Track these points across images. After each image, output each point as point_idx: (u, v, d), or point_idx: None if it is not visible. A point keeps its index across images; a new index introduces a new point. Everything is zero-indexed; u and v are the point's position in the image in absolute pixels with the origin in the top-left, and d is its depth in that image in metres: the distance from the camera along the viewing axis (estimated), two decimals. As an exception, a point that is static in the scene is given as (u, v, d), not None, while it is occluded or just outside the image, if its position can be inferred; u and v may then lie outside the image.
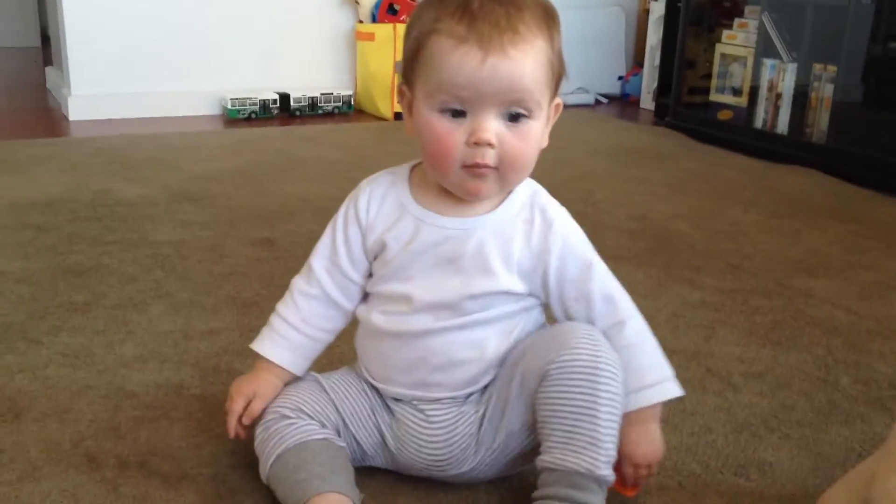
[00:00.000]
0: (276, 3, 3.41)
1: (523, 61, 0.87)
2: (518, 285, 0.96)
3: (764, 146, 2.86)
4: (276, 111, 3.34)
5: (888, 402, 1.27)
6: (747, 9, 3.09)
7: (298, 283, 1.04)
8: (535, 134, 0.91)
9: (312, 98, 3.39)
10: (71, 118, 3.19)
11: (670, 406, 1.23)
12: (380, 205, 0.99)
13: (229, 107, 3.27)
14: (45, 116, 3.35)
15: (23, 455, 1.07)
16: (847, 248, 1.99)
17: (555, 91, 0.94)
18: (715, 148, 2.98)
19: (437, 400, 0.98)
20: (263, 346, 1.04)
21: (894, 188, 2.43)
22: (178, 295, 1.60)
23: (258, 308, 1.51)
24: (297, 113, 3.38)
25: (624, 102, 3.90)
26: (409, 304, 0.96)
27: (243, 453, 1.06)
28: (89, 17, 3.16)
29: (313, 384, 1.03)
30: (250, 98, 3.30)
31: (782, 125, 2.91)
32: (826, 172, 2.60)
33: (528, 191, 0.99)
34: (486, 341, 0.96)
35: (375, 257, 1.00)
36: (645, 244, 1.97)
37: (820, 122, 2.77)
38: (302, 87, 3.41)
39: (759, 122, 3.00)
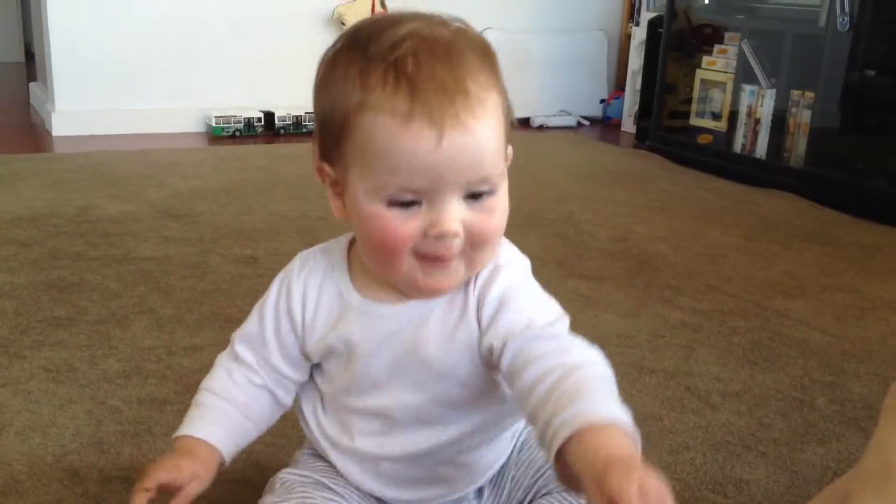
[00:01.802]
0: (261, 22, 3.43)
1: (482, 130, 0.71)
2: (483, 360, 0.80)
3: (743, 170, 2.90)
4: (260, 129, 3.35)
5: (863, 421, 1.30)
6: (727, 35, 3.15)
7: (226, 362, 0.89)
8: (501, 206, 0.76)
9: (297, 117, 3.41)
10: (54, 134, 3.19)
11: (651, 424, 1.26)
12: (317, 298, 0.83)
13: (214, 124, 3.28)
14: (29, 132, 3.35)
15: (5, 469, 1.08)
16: (823, 270, 2.03)
17: (507, 139, 0.78)
18: (695, 171, 3.02)
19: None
20: (192, 426, 0.85)
21: (870, 212, 2.47)
22: (162, 311, 1.60)
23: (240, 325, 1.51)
24: (282, 131, 3.39)
25: (605, 125, 3.95)
26: (391, 418, 0.83)
27: (227, 469, 1.06)
28: (74, 34, 3.17)
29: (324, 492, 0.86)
30: (235, 116, 3.31)
31: (761, 150, 2.96)
32: (803, 196, 2.64)
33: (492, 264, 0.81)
34: (495, 425, 0.85)
35: (322, 361, 0.85)
36: (625, 265, 1.99)
37: (797, 147, 2.82)
38: (286, 106, 3.43)
39: (738, 147, 3.04)
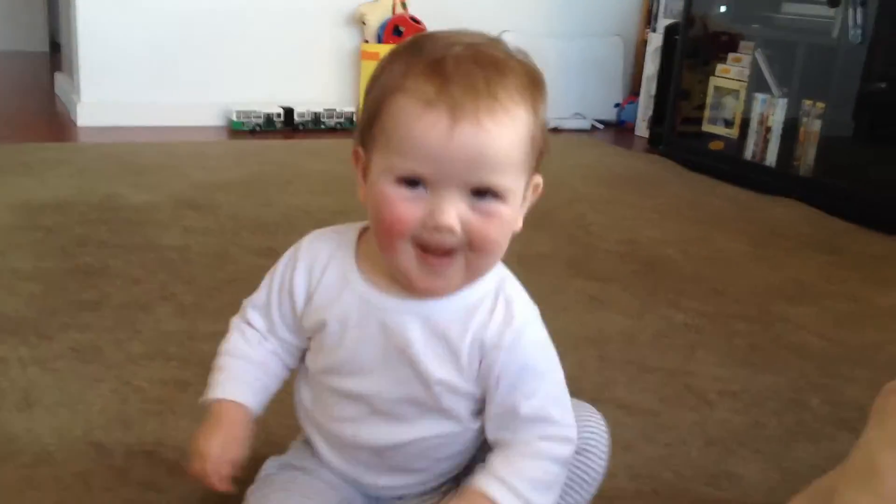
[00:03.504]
0: (284, 19, 3.50)
1: (499, 134, 0.74)
2: (466, 385, 0.84)
3: (752, 177, 2.95)
4: (280, 125, 3.42)
5: (854, 423, 1.34)
6: (742, 44, 3.19)
7: (241, 326, 0.93)
8: (504, 219, 0.78)
9: (316, 113, 3.47)
10: (79, 124, 3.26)
11: (648, 419, 1.31)
12: (320, 275, 0.86)
13: (234, 119, 3.35)
14: (54, 121, 3.43)
15: (36, 442, 1.14)
16: (827, 278, 2.07)
17: (534, 170, 0.81)
18: (705, 177, 3.06)
19: (426, 492, 0.91)
20: (223, 389, 0.90)
21: (877, 223, 2.51)
22: (183, 298, 1.67)
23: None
24: (301, 127, 3.46)
25: (619, 129, 3.99)
26: (368, 405, 0.86)
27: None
28: (101, 27, 3.24)
29: (309, 479, 0.91)
30: (255, 111, 3.37)
31: (771, 158, 3.00)
32: (811, 205, 2.68)
33: (496, 277, 0.85)
34: (461, 435, 0.87)
35: (314, 334, 0.88)
36: (633, 267, 2.04)
37: (807, 156, 2.86)
38: (306, 103, 3.49)
39: (748, 154, 3.08)
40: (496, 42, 0.79)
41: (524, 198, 0.82)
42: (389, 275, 0.82)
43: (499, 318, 0.82)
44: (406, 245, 0.78)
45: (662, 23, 3.73)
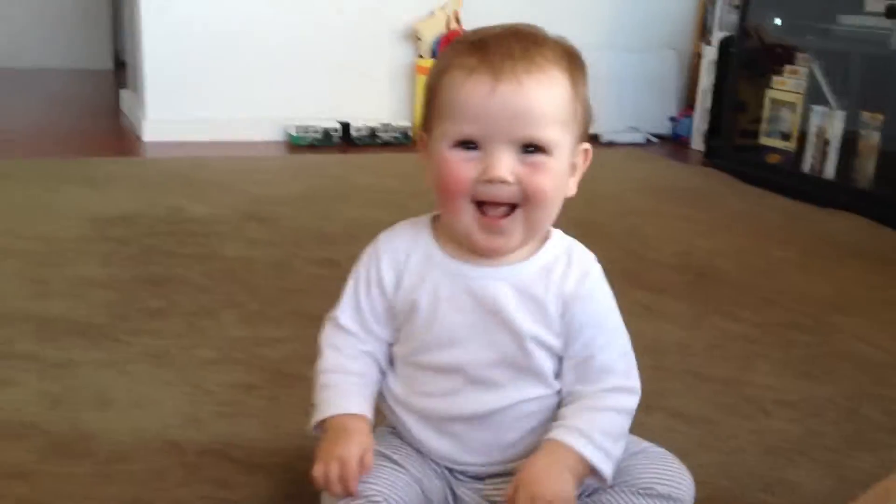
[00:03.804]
0: (341, 37, 3.57)
1: (538, 90, 0.83)
2: (555, 340, 0.92)
3: (810, 190, 2.93)
4: (337, 139, 3.49)
5: (913, 433, 1.34)
6: (798, 56, 3.17)
7: (332, 339, 0.97)
8: (554, 171, 0.86)
9: (372, 128, 3.54)
10: (145, 139, 3.37)
11: (705, 428, 1.32)
12: (405, 261, 0.93)
13: (293, 134, 3.43)
14: (120, 137, 3.54)
15: (112, 440, 1.20)
16: (883, 289, 2.06)
17: (580, 137, 0.89)
18: (762, 190, 3.04)
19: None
20: (337, 405, 0.93)
21: (937, 235, 2.48)
22: (248, 306, 1.72)
23: (322, 321, 1.63)
24: (357, 142, 3.52)
25: (674, 143, 3.99)
26: (463, 375, 0.91)
27: (309, 446, 1.17)
28: (166, 45, 3.35)
29: (395, 468, 0.93)
30: (313, 126, 3.45)
31: (829, 170, 2.97)
32: (870, 218, 2.65)
33: (564, 243, 0.94)
34: (548, 401, 0.93)
35: (405, 319, 0.93)
36: (687, 278, 2.05)
37: (866, 168, 2.83)
38: (363, 118, 3.56)
39: (806, 167, 3.06)
40: (534, 26, 0.89)
41: (573, 164, 0.90)
42: (468, 249, 0.90)
43: (575, 274, 0.91)
44: (466, 205, 0.86)
45: (717, 36, 3.72)
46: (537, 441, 0.92)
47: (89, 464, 1.13)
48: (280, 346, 1.53)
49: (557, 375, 0.93)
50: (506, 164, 0.84)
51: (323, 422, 0.93)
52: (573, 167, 0.90)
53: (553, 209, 0.89)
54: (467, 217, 0.87)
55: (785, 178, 3.08)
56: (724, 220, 2.64)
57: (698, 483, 1.15)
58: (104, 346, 1.50)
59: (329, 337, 0.98)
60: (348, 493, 0.87)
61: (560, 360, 0.93)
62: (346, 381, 0.95)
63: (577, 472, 0.87)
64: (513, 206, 0.86)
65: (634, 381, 0.94)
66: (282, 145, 3.48)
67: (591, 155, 0.93)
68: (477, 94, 0.83)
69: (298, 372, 1.41)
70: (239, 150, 3.31)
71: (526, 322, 0.90)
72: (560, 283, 0.91)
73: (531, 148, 0.84)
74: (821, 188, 2.94)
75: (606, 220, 2.44)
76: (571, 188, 0.91)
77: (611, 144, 3.82)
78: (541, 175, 0.85)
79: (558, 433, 0.89)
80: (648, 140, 3.95)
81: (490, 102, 0.82)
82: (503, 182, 0.84)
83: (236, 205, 2.48)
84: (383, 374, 0.98)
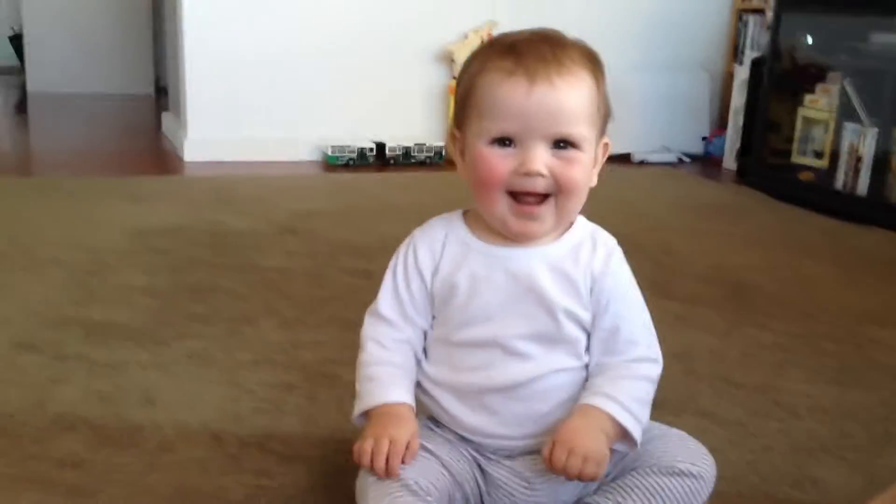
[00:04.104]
0: (376, 59, 3.65)
1: (569, 91, 0.90)
2: (584, 313, 0.98)
3: (843, 207, 2.92)
4: (372, 159, 3.55)
5: (945, 436, 1.35)
6: (829, 75, 3.18)
7: (372, 332, 1.02)
8: (583, 164, 0.93)
9: (406, 148, 3.60)
10: (186, 159, 3.46)
11: (735, 428, 1.34)
12: (442, 249, 1.00)
13: (329, 153, 3.50)
14: (162, 157, 3.64)
15: (158, 433, 1.24)
16: (919, 302, 2.05)
17: (601, 131, 0.97)
18: (794, 207, 3.04)
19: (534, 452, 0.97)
20: (382, 395, 0.98)
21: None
22: (286, 313, 1.77)
23: (358, 328, 1.66)
24: (392, 161, 3.58)
25: (707, 162, 4.00)
26: (500, 348, 0.96)
27: (346, 440, 1.20)
28: (207, 68, 3.44)
29: (426, 456, 0.96)
30: (349, 146, 3.52)
31: (862, 187, 2.97)
32: (905, 234, 2.65)
33: (588, 227, 1.02)
34: (577, 375, 0.98)
35: (443, 302, 0.99)
36: (719, 291, 2.06)
37: (899, 184, 2.83)
38: (397, 137, 3.62)
39: (839, 184, 3.06)
40: (558, 32, 0.96)
41: (596, 157, 0.97)
42: (501, 234, 0.97)
43: (601, 252, 0.99)
44: (501, 195, 0.93)
45: (749, 55, 3.75)
46: (567, 414, 0.95)
47: (136, 454, 1.18)
48: (318, 349, 1.58)
49: (586, 350, 0.99)
50: (541, 159, 0.91)
51: (367, 412, 0.98)
52: (595, 159, 0.97)
53: (582, 198, 0.96)
54: (503, 206, 0.94)
55: (818, 196, 3.08)
56: (757, 236, 2.65)
57: (728, 479, 1.17)
58: (149, 349, 1.55)
59: (370, 329, 1.03)
60: (390, 473, 0.91)
61: (588, 335, 0.99)
62: (389, 371, 1.00)
63: (609, 433, 0.93)
64: (545, 195, 0.93)
65: (657, 352, 1.00)
66: (318, 165, 3.55)
67: (610, 148, 0.99)
68: (515, 95, 0.90)
69: (335, 373, 1.46)
70: (277, 169, 3.38)
71: (558, 296, 0.96)
72: (588, 261, 0.98)
73: (563, 143, 0.92)
74: (854, 205, 2.94)
75: (638, 236, 2.46)
76: (594, 180, 0.98)
77: (643, 164, 3.84)
78: (572, 168, 0.92)
79: (591, 398, 0.95)
80: (680, 160, 3.97)
81: (527, 103, 0.90)
82: (539, 175, 0.91)
83: (274, 219, 2.53)
84: (419, 362, 1.02)
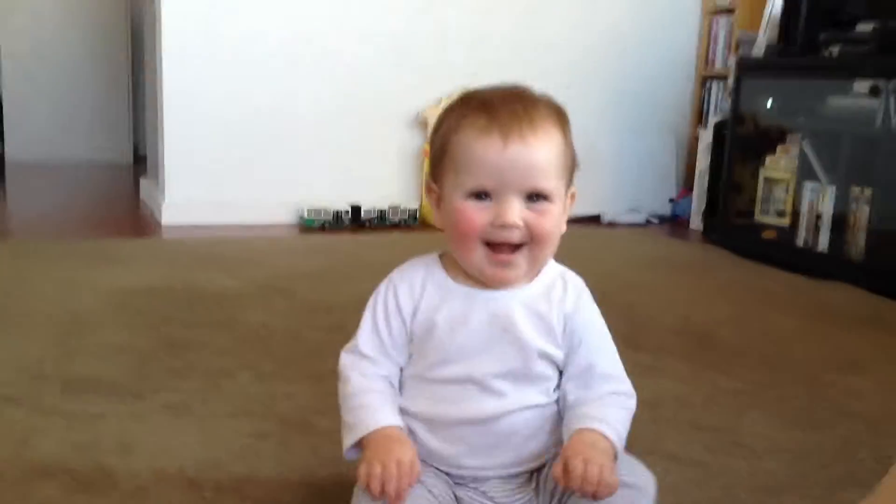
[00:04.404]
0: (350, 124, 3.74)
1: (540, 148, 0.96)
2: (558, 352, 1.03)
3: (805, 263, 3.02)
4: (347, 221, 3.61)
5: (901, 474, 1.39)
6: (789, 136, 3.30)
7: (354, 366, 1.05)
8: (554, 215, 0.99)
9: (381, 210, 3.67)
10: (163, 223, 3.50)
11: (698, 468, 1.38)
12: (421, 290, 1.04)
13: (305, 216, 3.56)
14: (140, 221, 3.68)
15: (134, 479, 1.27)
16: (879, 350, 2.12)
17: (569, 181, 1.02)
18: (758, 264, 3.13)
19: (510, 477, 1.03)
20: (376, 420, 1.00)
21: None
22: (263, 367, 1.80)
23: (333, 378, 1.70)
24: (367, 223, 3.65)
25: (674, 223, 4.10)
26: (475, 384, 1.01)
27: (320, 486, 1.24)
28: (185, 136, 3.52)
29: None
30: (325, 208, 3.58)
31: (823, 243, 3.07)
32: (863, 287, 2.73)
33: (558, 269, 1.08)
34: (546, 411, 1.04)
35: (422, 342, 1.03)
36: (685, 341, 2.12)
37: (857, 240, 2.92)
38: (372, 200, 3.69)
39: (800, 241, 3.16)
40: (527, 88, 1.03)
41: (565, 205, 1.02)
42: (476, 279, 1.02)
43: (571, 293, 1.05)
44: (478, 245, 0.99)
45: (713, 120, 3.88)
46: (536, 446, 1.01)
47: (113, 499, 1.20)
48: (294, 400, 1.61)
49: (556, 387, 1.05)
50: (516, 212, 0.96)
51: (362, 439, 1.00)
52: (564, 208, 1.02)
53: (553, 246, 1.01)
54: (480, 255, 0.99)
55: (780, 253, 3.17)
56: (722, 290, 2.72)
57: (690, 515, 1.21)
58: (127, 401, 1.57)
59: (351, 365, 1.06)
60: (399, 497, 0.93)
61: (560, 373, 1.04)
62: (378, 398, 1.03)
63: (609, 452, 0.97)
64: (519, 244, 0.99)
65: (630, 386, 1.05)
66: (294, 227, 3.60)
67: (576, 197, 1.05)
68: (490, 152, 0.95)
69: (310, 421, 1.49)
70: (253, 231, 3.43)
71: (534, 337, 1.02)
72: (560, 301, 1.04)
73: (535, 196, 0.97)
74: (815, 261, 3.04)
75: (611, 293, 2.48)
76: (563, 227, 1.03)
77: (612, 225, 3.93)
78: (544, 219, 0.98)
79: (586, 424, 0.99)
80: (649, 221, 4.06)
81: (501, 160, 0.95)
82: (515, 226, 0.97)
83: (252, 279, 2.57)
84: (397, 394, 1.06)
